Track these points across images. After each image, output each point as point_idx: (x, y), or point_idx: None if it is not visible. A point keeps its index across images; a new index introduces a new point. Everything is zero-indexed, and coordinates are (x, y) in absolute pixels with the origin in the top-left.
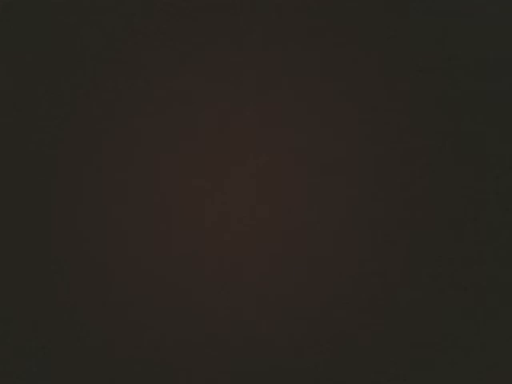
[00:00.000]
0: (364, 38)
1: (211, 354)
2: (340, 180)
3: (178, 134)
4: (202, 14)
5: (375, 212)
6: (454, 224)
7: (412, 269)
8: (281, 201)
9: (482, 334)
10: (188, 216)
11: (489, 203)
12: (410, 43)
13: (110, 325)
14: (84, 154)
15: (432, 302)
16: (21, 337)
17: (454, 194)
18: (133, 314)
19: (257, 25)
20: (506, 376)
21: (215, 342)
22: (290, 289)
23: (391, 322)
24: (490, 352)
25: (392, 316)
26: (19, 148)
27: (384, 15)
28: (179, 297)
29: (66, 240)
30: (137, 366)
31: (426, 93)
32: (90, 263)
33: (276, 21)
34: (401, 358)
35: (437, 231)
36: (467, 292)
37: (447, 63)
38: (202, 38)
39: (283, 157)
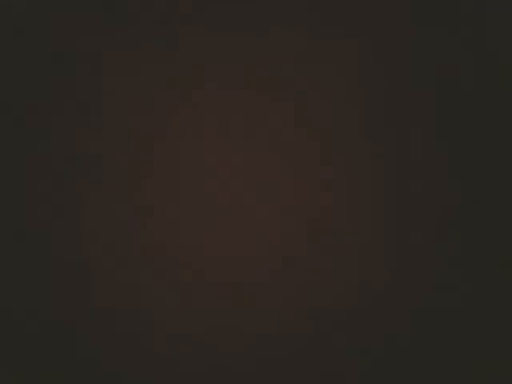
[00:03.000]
0: (364, 43)
1: (210, 353)
2: (341, 180)
3: (178, 134)
4: (202, 11)
5: (376, 212)
6: (453, 225)
7: (412, 269)
8: (281, 201)
9: (483, 336)
10: (188, 216)
11: (489, 203)
12: (411, 42)
13: (108, 324)
14: (83, 153)
15: (431, 303)
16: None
17: (454, 196)
18: (132, 313)
19: (258, 17)
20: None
21: (215, 342)
22: (289, 289)
23: (392, 323)
24: (490, 353)
25: (393, 316)
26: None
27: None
28: (178, 297)
29: (63, 238)
30: (136, 366)
31: (427, 93)
32: (89, 262)
33: (277, 13)
34: (403, 357)
35: (436, 233)
36: (467, 294)
37: (449, 61)
38: (200, 33)
39: (284, 157)
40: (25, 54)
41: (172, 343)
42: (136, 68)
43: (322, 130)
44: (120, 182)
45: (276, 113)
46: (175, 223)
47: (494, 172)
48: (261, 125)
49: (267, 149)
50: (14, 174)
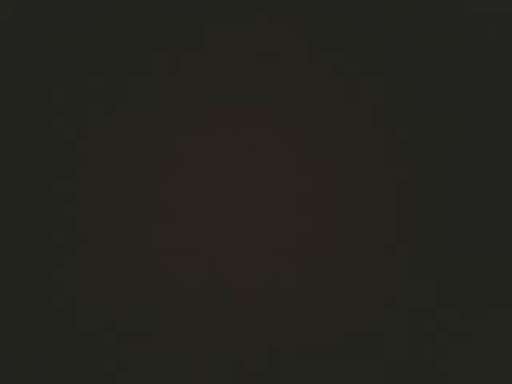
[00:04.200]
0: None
1: (209, 353)
2: (340, 181)
3: (177, 134)
4: (201, 14)
5: (375, 214)
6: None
7: (412, 271)
8: (281, 201)
9: (481, 335)
10: (188, 216)
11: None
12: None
13: (107, 325)
14: (84, 153)
15: (430, 305)
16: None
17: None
18: (133, 313)
19: (256, 21)
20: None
21: (213, 342)
22: (289, 290)
23: (390, 321)
24: (489, 351)
25: (391, 315)
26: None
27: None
28: (177, 298)
29: (63, 238)
30: (138, 366)
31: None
32: (87, 263)
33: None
34: (401, 356)
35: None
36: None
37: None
38: (201, 39)
39: (283, 157)
40: (25, 53)
41: (171, 343)
42: (143, 69)
43: (324, 130)
44: (120, 182)
45: (277, 112)
46: (177, 223)
47: (495, 174)
48: (262, 125)
49: (270, 149)
50: (16, 172)
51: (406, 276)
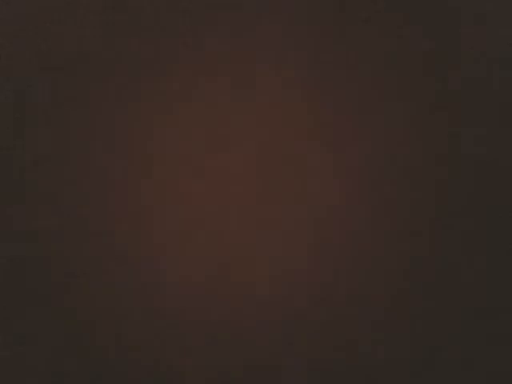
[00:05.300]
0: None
1: (208, 354)
2: (340, 180)
3: (176, 133)
4: (200, 8)
5: (375, 214)
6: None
7: (420, 273)
8: (281, 201)
9: (483, 335)
10: (187, 216)
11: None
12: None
13: (102, 325)
14: (83, 152)
15: (433, 304)
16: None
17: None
18: (130, 316)
19: (258, 16)
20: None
21: (213, 344)
22: (289, 290)
23: (393, 324)
24: (490, 352)
25: (395, 318)
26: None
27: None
28: (177, 298)
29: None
30: (131, 368)
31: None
32: (85, 262)
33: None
34: (403, 358)
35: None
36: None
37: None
38: (200, 33)
39: (284, 156)
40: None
41: (168, 343)
42: (138, 67)
43: (324, 128)
44: (119, 183)
45: (277, 112)
46: (175, 224)
47: (495, 169)
48: (261, 124)
49: (268, 148)
50: (14, 173)
51: None
